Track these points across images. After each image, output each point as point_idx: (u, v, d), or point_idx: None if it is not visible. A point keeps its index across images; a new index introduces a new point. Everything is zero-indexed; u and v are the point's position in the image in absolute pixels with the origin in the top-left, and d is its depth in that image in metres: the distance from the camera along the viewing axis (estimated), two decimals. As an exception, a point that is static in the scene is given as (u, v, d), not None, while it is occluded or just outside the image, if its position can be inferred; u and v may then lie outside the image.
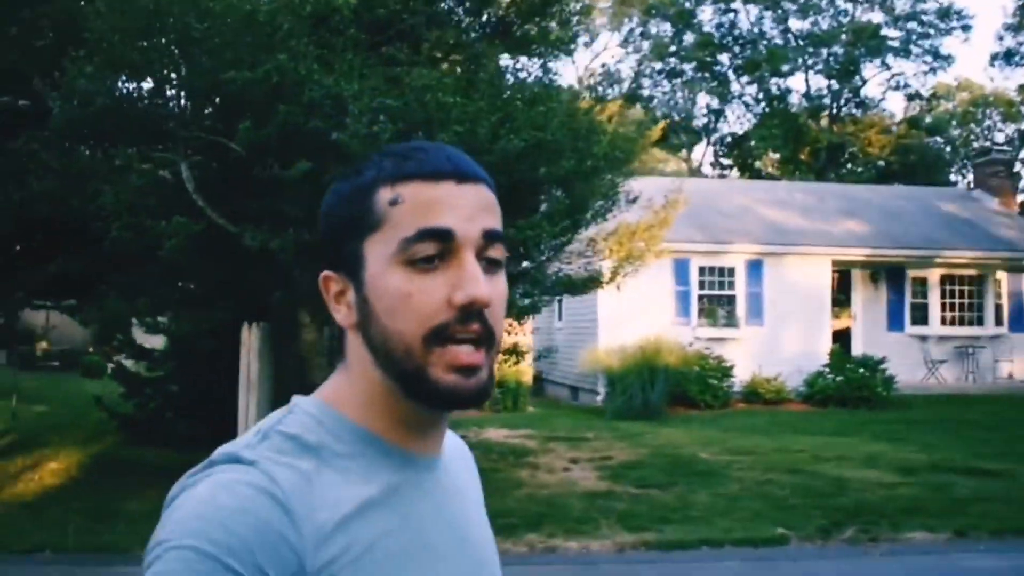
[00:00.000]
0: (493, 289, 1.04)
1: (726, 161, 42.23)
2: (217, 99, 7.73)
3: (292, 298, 9.67)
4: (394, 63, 7.93)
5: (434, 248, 1.02)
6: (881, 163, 35.34)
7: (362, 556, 0.98)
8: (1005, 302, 21.53)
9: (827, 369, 18.40)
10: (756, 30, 39.22)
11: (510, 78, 8.13)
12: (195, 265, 8.37)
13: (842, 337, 21.38)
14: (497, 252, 1.06)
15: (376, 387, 1.07)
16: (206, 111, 8.00)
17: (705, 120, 41.45)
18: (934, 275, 21.00)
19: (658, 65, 41.48)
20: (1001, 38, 35.19)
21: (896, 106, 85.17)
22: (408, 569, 1.02)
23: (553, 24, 9.85)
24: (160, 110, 7.71)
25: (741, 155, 40.39)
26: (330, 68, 7.35)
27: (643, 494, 9.99)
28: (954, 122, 50.69)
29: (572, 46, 10.07)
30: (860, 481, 10.55)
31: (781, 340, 19.38)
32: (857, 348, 20.57)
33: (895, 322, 21.02)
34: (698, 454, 12.29)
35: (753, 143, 37.74)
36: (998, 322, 21.32)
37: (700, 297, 19.21)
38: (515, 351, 11.54)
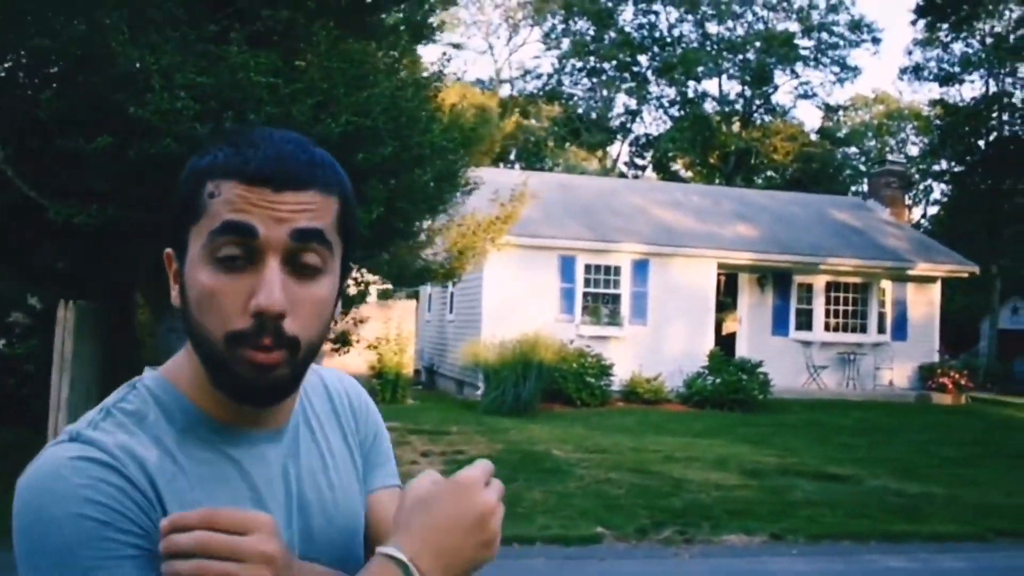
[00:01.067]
0: (302, 295, 1.05)
1: (641, 161, 42.49)
2: (22, 66, 7.40)
3: (123, 277, 9.38)
4: (222, 41, 7.66)
5: (238, 248, 1.02)
6: (787, 170, 35.81)
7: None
8: (888, 311, 21.87)
9: (706, 371, 18.49)
10: (675, 33, 39.55)
11: (338, 62, 7.85)
12: (7, 239, 8.04)
13: (729, 340, 21.56)
14: (311, 257, 1.06)
15: (200, 367, 1.09)
16: (17, 78, 7.66)
17: (622, 120, 41.58)
18: (820, 281, 21.26)
19: (579, 63, 41.54)
20: (910, 52, 35.72)
21: (808, 115, 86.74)
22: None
23: (400, 13, 9.67)
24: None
25: (656, 156, 40.65)
26: (140, 40, 7.07)
27: (478, 489, 9.86)
28: (870, 133, 51.74)
29: (429, 34, 9.87)
30: (700, 483, 10.54)
31: (664, 340, 19.45)
32: (742, 351, 20.71)
33: (780, 326, 21.23)
34: (551, 451, 12.21)
35: (668, 144, 38.00)
36: (880, 330, 21.65)
37: (585, 295, 19.18)
38: (343, 340, 11.35)
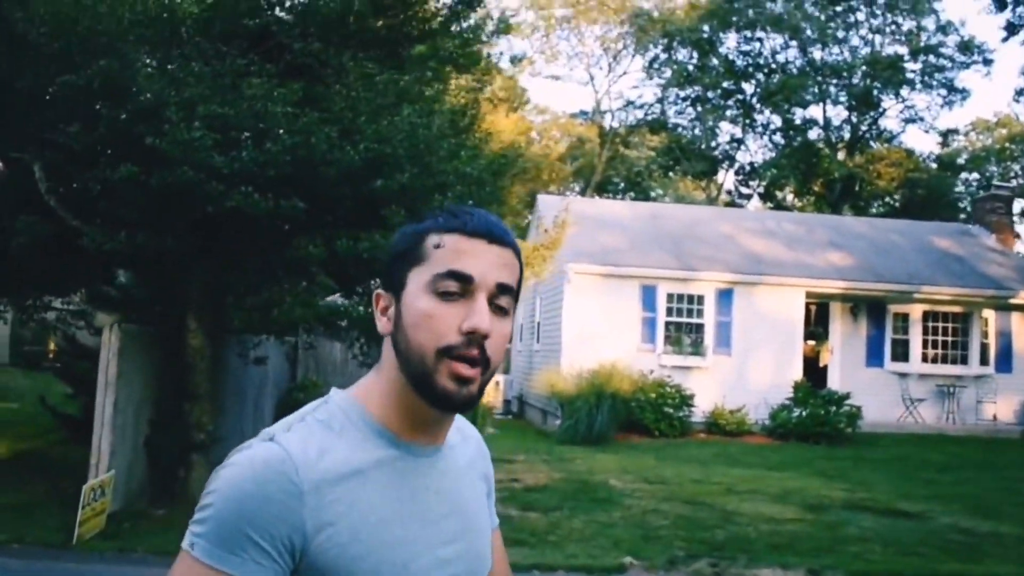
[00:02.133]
0: (496, 327, 1.30)
1: (747, 190, 41.80)
2: (54, 102, 7.72)
3: (174, 302, 9.65)
4: (249, 75, 7.88)
5: (456, 286, 1.29)
6: (894, 197, 34.72)
7: (359, 519, 1.26)
8: (992, 341, 20.94)
9: (791, 403, 18.01)
10: (779, 59, 38.89)
11: (364, 92, 7.96)
12: (45, 264, 8.39)
13: (822, 372, 20.96)
14: (504, 302, 1.33)
15: (396, 385, 1.34)
16: (50, 113, 7.99)
17: (727, 148, 41.01)
18: (916, 311, 20.50)
19: (682, 92, 41.21)
20: (1025, 73, 34.28)
21: (919, 141, 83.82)
22: (397, 531, 1.30)
23: (450, 43, 9.77)
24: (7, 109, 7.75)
25: (761, 184, 39.95)
26: (164, 74, 7.33)
27: (520, 516, 9.80)
28: (992, 158, 49.81)
29: (470, 63, 9.95)
30: (752, 516, 10.25)
31: (749, 371, 19.04)
32: (834, 382, 20.12)
33: (874, 357, 20.54)
34: (608, 481, 12.06)
35: (772, 172, 37.28)
36: (983, 362, 20.74)
37: (667, 324, 18.93)
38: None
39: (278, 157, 7.37)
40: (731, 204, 39.92)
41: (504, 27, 11.09)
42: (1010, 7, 19.06)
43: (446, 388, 1.29)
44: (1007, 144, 49.37)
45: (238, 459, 1.26)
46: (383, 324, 1.37)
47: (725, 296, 19.17)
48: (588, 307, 18.54)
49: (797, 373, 19.10)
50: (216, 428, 10.16)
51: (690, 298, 19.06)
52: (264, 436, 1.30)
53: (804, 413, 17.58)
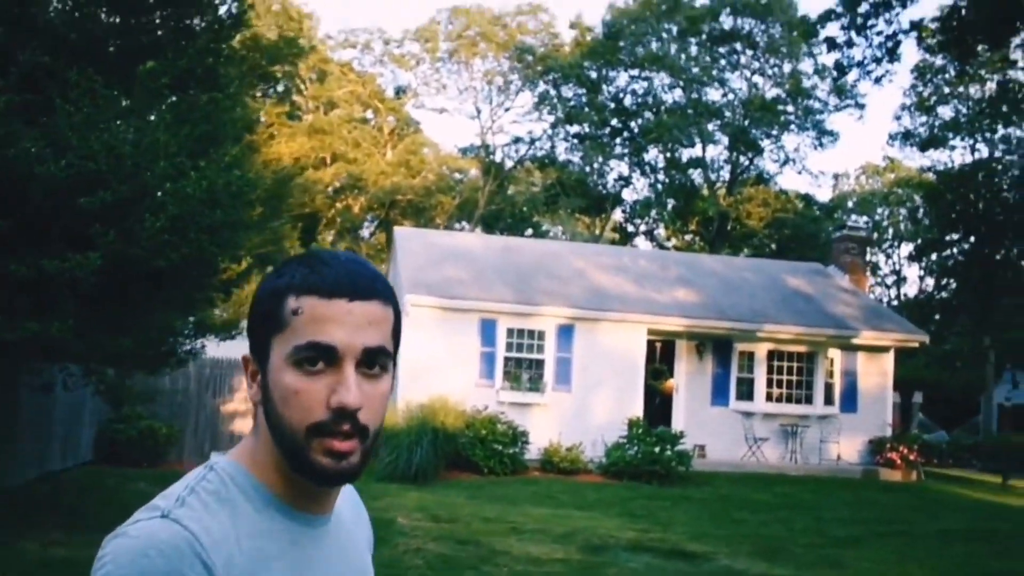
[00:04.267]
0: (369, 392, 1.23)
1: (632, 228, 42.00)
2: None
3: None
4: None
5: (319, 357, 1.20)
6: (764, 237, 35.15)
7: None
8: (837, 381, 21.06)
9: (626, 440, 17.80)
10: (667, 98, 39.30)
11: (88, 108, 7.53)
12: None
13: (668, 410, 20.83)
14: (377, 364, 1.24)
15: (275, 456, 1.26)
16: None
17: (615, 186, 41.22)
18: (761, 349, 20.53)
19: (571, 128, 41.38)
20: (899, 117, 35.15)
21: (799, 182, 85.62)
22: None
23: (183, 61, 9.34)
24: None
25: (644, 222, 40.23)
26: None
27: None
28: (876, 201, 50.93)
29: (229, 80, 9.55)
30: (518, 556, 9.91)
31: (589, 408, 18.83)
32: (678, 421, 20.01)
33: (720, 396, 20.49)
34: (396, 519, 11.64)
35: (649, 210, 37.56)
36: (828, 401, 20.83)
37: (506, 359, 18.64)
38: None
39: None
40: (616, 242, 40.03)
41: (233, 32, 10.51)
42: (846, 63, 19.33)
43: (321, 464, 1.22)
44: (895, 188, 50.63)
45: (132, 545, 1.14)
46: (253, 392, 1.29)
47: (566, 332, 18.96)
48: (426, 341, 18.15)
49: (638, 411, 18.93)
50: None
51: (530, 333, 18.82)
52: (154, 511, 1.18)
53: (638, 451, 17.37)
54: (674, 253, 28.46)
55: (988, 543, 12.78)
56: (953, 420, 36.12)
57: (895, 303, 49.55)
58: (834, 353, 20.95)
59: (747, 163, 37.97)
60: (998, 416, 37.44)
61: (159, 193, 7.58)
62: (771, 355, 20.62)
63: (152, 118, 8.03)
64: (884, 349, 21.12)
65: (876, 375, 21.19)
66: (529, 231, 41.30)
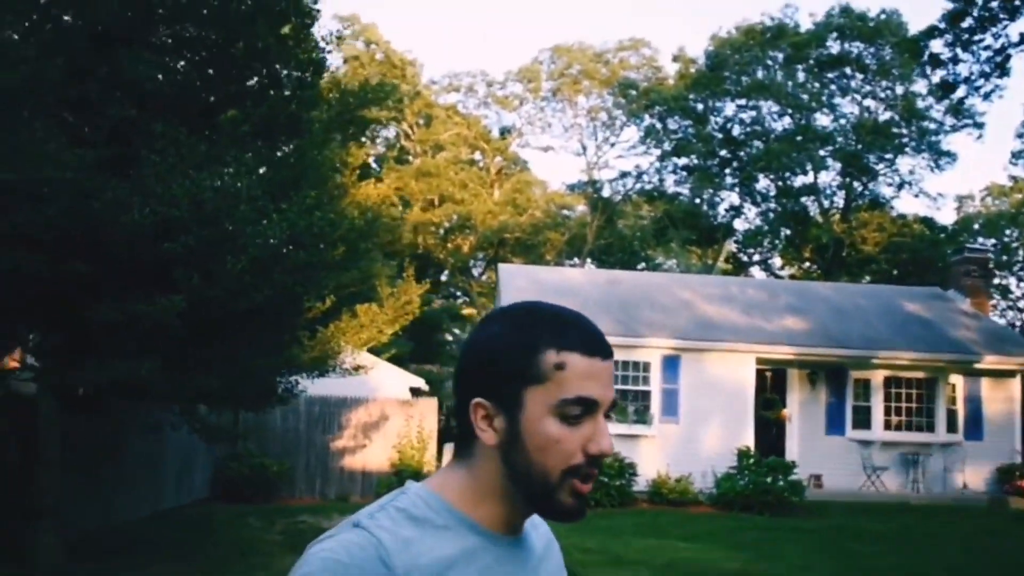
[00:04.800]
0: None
1: (745, 258, 41.31)
2: None
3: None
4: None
5: (581, 409, 1.30)
6: (881, 262, 34.07)
7: None
8: (960, 407, 20.24)
9: (736, 471, 17.42)
10: (776, 126, 38.70)
11: (173, 157, 7.87)
12: None
13: (780, 439, 20.32)
14: (612, 413, 1.38)
15: (496, 491, 1.35)
16: None
17: (726, 217, 40.66)
18: (877, 376, 19.89)
19: (679, 160, 41.08)
20: (1021, 135, 33.73)
21: (915, 206, 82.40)
22: None
23: (261, 110, 9.60)
24: None
25: (757, 252, 39.51)
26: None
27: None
28: (1004, 222, 48.94)
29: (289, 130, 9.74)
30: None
31: (697, 439, 18.52)
32: (792, 451, 19.53)
33: (835, 425, 19.91)
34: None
35: (762, 240, 36.88)
36: (951, 428, 20.02)
37: (612, 391, 18.45)
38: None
39: (55, 220, 7.22)
40: (729, 272, 39.44)
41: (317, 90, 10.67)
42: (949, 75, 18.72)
43: (568, 505, 1.32)
44: (1023, 209, 48.58)
45: (327, 547, 1.27)
46: (489, 436, 1.35)
47: (671, 363, 18.73)
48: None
49: (748, 440, 18.53)
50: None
51: (635, 365, 18.66)
52: (349, 523, 1.31)
53: (748, 482, 16.98)
54: (784, 281, 27.87)
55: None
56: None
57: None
58: (956, 379, 20.16)
59: (861, 188, 36.97)
60: None
61: (240, 237, 7.79)
62: (888, 382, 19.96)
63: (234, 166, 8.27)
64: (1010, 374, 20.23)
65: (1002, 401, 20.29)
66: (641, 265, 41.02)
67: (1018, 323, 49.65)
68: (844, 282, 29.46)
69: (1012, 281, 51.23)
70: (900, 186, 36.21)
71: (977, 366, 19.78)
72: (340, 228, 9.19)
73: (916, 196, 36.96)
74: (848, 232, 33.85)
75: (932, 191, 46.28)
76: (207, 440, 10.77)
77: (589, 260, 40.82)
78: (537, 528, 1.52)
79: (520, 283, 21.54)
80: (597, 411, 1.32)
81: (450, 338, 38.53)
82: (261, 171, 8.56)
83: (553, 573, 1.52)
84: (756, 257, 40.92)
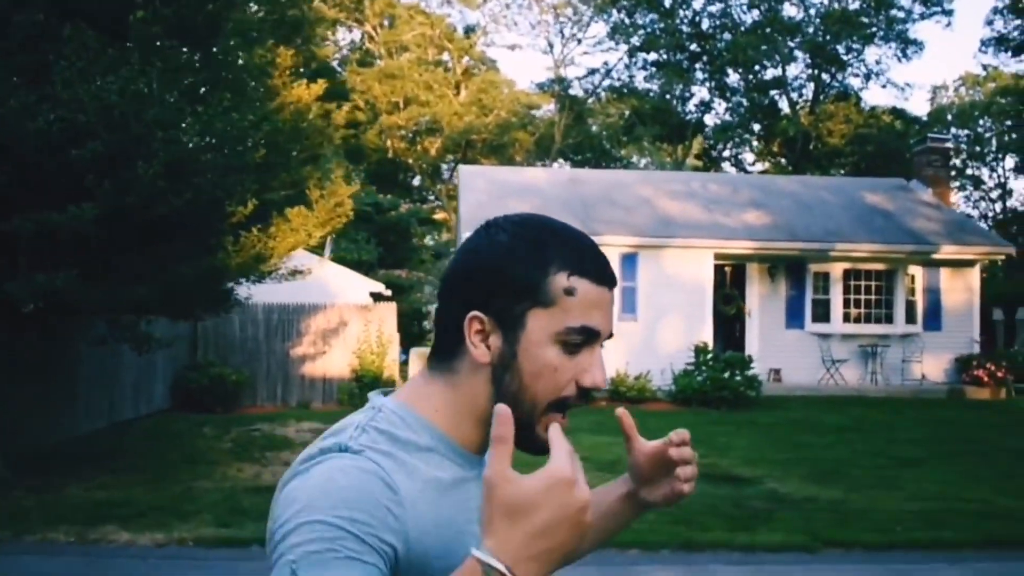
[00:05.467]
0: None
1: (715, 154, 40.96)
2: None
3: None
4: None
5: (582, 339, 1.23)
6: (847, 155, 33.82)
7: (450, 532, 1.20)
8: (919, 299, 20.29)
9: (694, 367, 17.47)
10: (746, 19, 38.00)
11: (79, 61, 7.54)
12: None
13: (741, 334, 20.38)
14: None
15: (476, 412, 1.27)
16: None
17: (696, 112, 40.19)
18: (836, 269, 19.88)
19: (648, 56, 40.40)
20: (991, 22, 33.37)
21: (880, 97, 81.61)
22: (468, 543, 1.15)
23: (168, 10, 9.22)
24: None
25: (726, 148, 39.16)
26: None
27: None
28: (977, 112, 48.63)
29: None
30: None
31: (656, 336, 18.53)
32: (752, 345, 19.59)
33: (795, 319, 19.94)
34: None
35: (731, 134, 36.51)
36: (910, 320, 20.11)
37: (569, 291, 18.39)
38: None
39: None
40: (700, 169, 39.15)
41: None
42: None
43: (542, 439, 1.24)
44: (996, 98, 48.19)
45: (321, 470, 1.17)
46: (481, 353, 1.26)
47: (629, 260, 18.63)
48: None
49: (707, 337, 18.55)
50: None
51: (593, 264, 18.52)
52: (334, 447, 1.20)
53: (705, 378, 17.05)
54: (747, 176, 27.68)
55: (1066, 459, 12.18)
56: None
57: (1000, 217, 47.63)
58: (915, 270, 20.17)
59: (829, 80, 36.52)
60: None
61: (151, 142, 7.53)
62: (847, 275, 19.96)
63: (143, 68, 7.94)
64: (969, 264, 20.24)
65: (961, 291, 20.34)
66: (612, 163, 40.65)
67: (990, 214, 49.81)
68: (815, 176, 29.27)
69: (985, 172, 51.21)
70: (868, 77, 35.76)
71: (936, 257, 19.77)
72: (261, 130, 8.90)
73: (884, 87, 36.61)
74: (815, 125, 33.52)
75: (901, 81, 45.76)
76: (137, 350, 10.60)
77: (559, 160, 40.45)
78: None
79: (480, 184, 21.29)
80: (596, 342, 1.26)
81: (420, 243, 38.35)
82: (175, 75, 8.22)
83: None
84: (727, 153, 40.63)
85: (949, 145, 24.12)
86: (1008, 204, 49.61)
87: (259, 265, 9.68)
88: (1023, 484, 10.66)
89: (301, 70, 11.89)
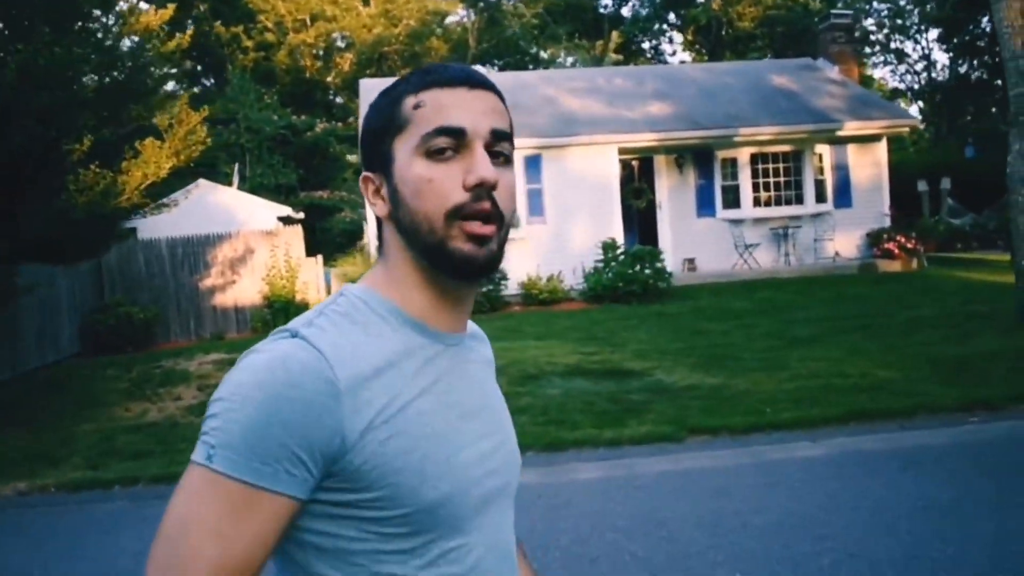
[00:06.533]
0: (501, 176, 1.23)
1: (635, 48, 40.42)
2: None
3: None
4: None
5: (449, 142, 1.20)
6: (758, 38, 33.50)
7: (397, 412, 1.17)
8: (828, 177, 20.33)
9: (603, 264, 17.45)
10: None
11: None
12: None
13: (652, 227, 20.36)
14: (504, 148, 1.25)
15: (408, 268, 1.26)
16: None
17: (611, 5, 39.57)
18: (743, 154, 19.82)
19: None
20: None
21: None
22: (438, 423, 1.21)
23: None
24: None
25: (644, 39, 38.64)
26: None
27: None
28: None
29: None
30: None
31: (566, 236, 18.46)
32: (665, 237, 19.60)
33: (705, 207, 19.92)
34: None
35: (644, 26, 35.99)
36: (820, 199, 20.18)
37: (474, 198, 18.19)
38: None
39: None
40: (621, 63, 38.66)
41: None
42: None
43: (464, 251, 1.21)
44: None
45: (260, 359, 1.14)
46: (379, 207, 1.28)
47: (533, 162, 18.44)
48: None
49: (616, 232, 18.50)
50: None
51: (497, 169, 18.30)
52: (283, 333, 1.18)
53: (613, 274, 17.04)
54: (652, 67, 27.35)
55: (954, 328, 12.32)
56: (988, 204, 34.98)
57: (925, 90, 47.69)
58: (822, 148, 20.18)
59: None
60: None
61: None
62: (754, 159, 19.93)
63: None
64: (875, 138, 20.26)
65: (869, 166, 20.40)
66: (531, 65, 39.99)
67: (916, 86, 49.90)
68: (723, 62, 28.99)
69: (909, 45, 51.16)
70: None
71: (840, 134, 19.76)
72: (90, 63, 8.51)
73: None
74: (724, 10, 33.11)
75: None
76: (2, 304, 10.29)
77: (479, 65, 39.71)
78: (475, 334, 1.42)
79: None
80: (470, 142, 1.21)
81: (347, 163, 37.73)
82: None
83: (495, 383, 1.44)
84: (647, 45, 40.10)
85: (852, 20, 23.90)
86: (933, 76, 49.74)
87: (108, 202, 9.36)
88: (905, 355, 10.77)
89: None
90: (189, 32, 11.52)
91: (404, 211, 1.23)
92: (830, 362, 10.67)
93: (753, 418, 8.28)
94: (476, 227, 1.20)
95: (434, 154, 1.21)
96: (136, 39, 9.91)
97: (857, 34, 26.91)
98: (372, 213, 1.32)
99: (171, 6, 10.92)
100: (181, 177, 16.79)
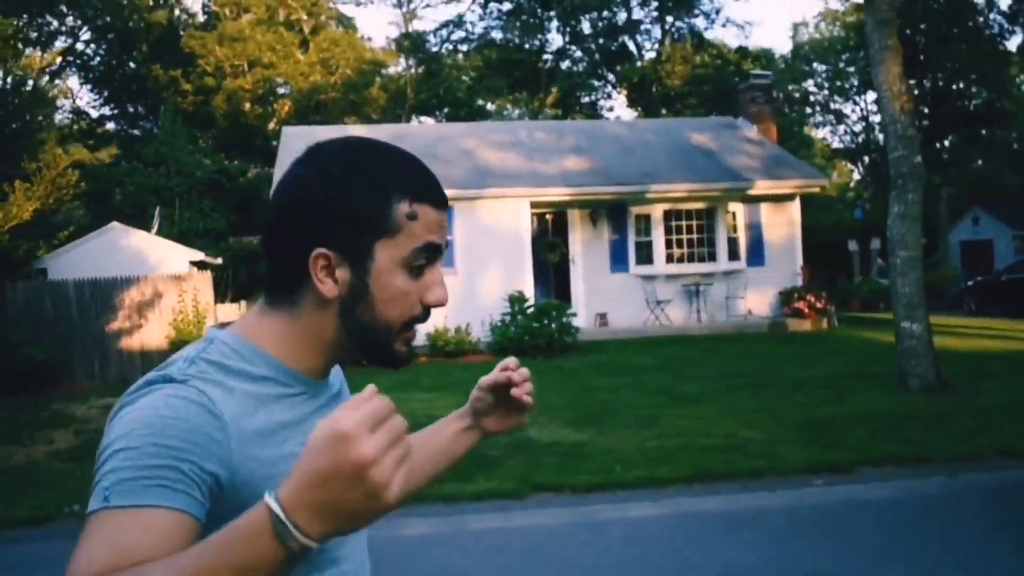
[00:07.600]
0: None
1: (571, 101, 40.87)
2: None
3: None
4: None
5: (427, 259, 1.26)
6: (688, 97, 34.07)
7: (275, 469, 1.16)
8: (742, 235, 20.55)
9: (510, 317, 17.46)
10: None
11: None
12: None
13: (564, 282, 20.41)
14: None
15: (322, 342, 1.28)
16: None
17: (551, 61, 39.96)
18: (657, 211, 20.00)
19: (501, 6, 39.96)
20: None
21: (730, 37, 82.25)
22: None
23: None
24: None
25: (583, 95, 39.09)
26: None
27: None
28: (838, 47, 49.34)
29: None
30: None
31: (476, 288, 18.45)
32: (578, 291, 19.66)
33: (619, 262, 20.04)
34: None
35: (580, 82, 36.42)
36: (733, 256, 20.37)
37: (384, 248, 18.19)
38: None
39: None
40: (557, 117, 39.05)
41: None
42: None
43: (400, 353, 1.30)
44: (852, 33, 48.91)
45: (144, 402, 1.14)
46: (328, 288, 1.25)
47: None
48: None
49: (527, 286, 18.53)
50: None
51: (408, 219, 18.32)
52: (159, 379, 1.18)
53: (518, 327, 17.05)
54: (575, 122, 27.64)
55: (836, 389, 12.40)
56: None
57: (862, 151, 48.53)
58: (735, 207, 20.42)
59: (673, 21, 36.56)
60: (960, 254, 36.94)
61: None
62: (668, 215, 20.11)
63: None
64: (788, 197, 20.54)
65: (783, 225, 20.66)
66: (467, 116, 40.22)
67: (854, 146, 50.77)
68: (644, 119, 29.36)
69: (848, 107, 52.07)
70: (708, 16, 35.98)
71: (753, 192, 20.01)
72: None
73: (724, 26, 36.68)
74: (654, 68, 33.61)
75: (742, 20, 46.11)
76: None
77: (416, 116, 39.94)
78: (336, 374, 1.45)
79: (299, 145, 20.47)
80: (436, 260, 1.28)
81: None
82: None
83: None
84: (585, 100, 40.53)
85: (769, 81, 24.34)
86: (871, 136, 50.63)
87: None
88: (776, 416, 10.81)
89: (34, 36, 11.33)
90: (73, 77, 11.46)
91: (367, 310, 1.25)
92: (702, 421, 10.68)
93: (601, 477, 8.25)
94: (412, 335, 1.30)
95: (414, 269, 1.25)
96: (18, 76, 9.82)
97: (776, 94, 27.37)
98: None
99: (55, 52, 10.83)
100: (99, 219, 16.62)
